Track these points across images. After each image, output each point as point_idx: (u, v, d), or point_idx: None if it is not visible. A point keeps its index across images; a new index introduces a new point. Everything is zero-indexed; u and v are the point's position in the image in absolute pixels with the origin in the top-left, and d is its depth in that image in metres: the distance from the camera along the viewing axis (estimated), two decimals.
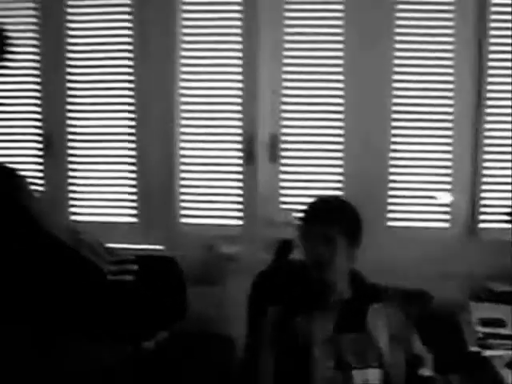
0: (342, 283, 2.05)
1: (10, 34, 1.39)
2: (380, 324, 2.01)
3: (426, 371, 2.00)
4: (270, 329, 2.05)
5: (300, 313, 2.02)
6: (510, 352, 2.26)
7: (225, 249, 1.61)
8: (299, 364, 1.97)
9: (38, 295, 1.27)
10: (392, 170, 2.90)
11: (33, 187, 1.35)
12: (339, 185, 2.91)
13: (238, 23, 2.90)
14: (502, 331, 2.38)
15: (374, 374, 1.97)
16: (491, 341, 2.32)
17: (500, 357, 2.24)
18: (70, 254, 1.28)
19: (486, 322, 2.42)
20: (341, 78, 2.87)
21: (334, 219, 2.03)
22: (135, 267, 1.35)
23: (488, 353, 2.27)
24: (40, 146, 3.10)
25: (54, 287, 1.27)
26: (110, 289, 1.30)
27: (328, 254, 2.00)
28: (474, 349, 2.29)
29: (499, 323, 2.43)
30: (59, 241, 1.28)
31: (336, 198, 2.38)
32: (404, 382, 1.98)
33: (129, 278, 1.32)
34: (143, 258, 1.44)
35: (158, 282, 1.40)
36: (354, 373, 1.96)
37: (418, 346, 2.04)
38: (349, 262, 2.05)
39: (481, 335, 2.34)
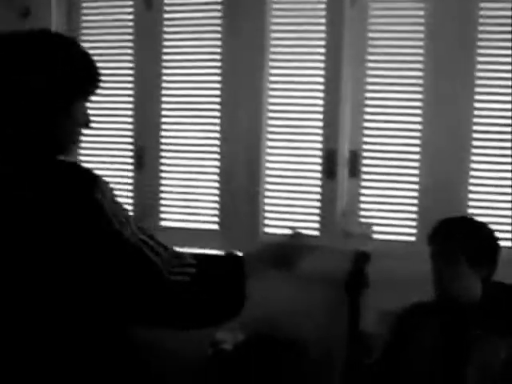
0: (471, 303, 2.10)
1: (98, 64, 1.47)
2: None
3: None
4: None
5: None
6: None
7: (307, 240, 1.68)
8: None
9: (99, 293, 1.35)
10: (470, 187, 2.91)
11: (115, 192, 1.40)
12: (416, 201, 2.96)
13: (323, 39, 3.01)
14: None
15: None
16: None
17: None
18: (139, 261, 1.34)
19: None
20: (420, 96, 2.92)
21: (454, 238, 2.11)
22: (193, 270, 1.40)
23: None
24: (132, 157, 3.31)
25: (114, 284, 1.35)
26: (165, 287, 1.36)
27: (449, 271, 2.10)
28: None
29: None
30: (131, 247, 1.33)
31: (464, 217, 2.43)
32: None
33: (185, 278, 1.38)
34: (207, 257, 1.50)
35: (215, 280, 1.44)
36: None
37: None
38: (474, 281, 2.10)
39: None
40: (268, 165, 3.11)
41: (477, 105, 2.89)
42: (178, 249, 1.44)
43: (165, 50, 3.22)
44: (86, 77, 1.45)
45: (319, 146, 3.04)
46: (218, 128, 3.16)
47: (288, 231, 1.69)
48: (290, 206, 3.09)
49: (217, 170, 3.18)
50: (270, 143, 3.10)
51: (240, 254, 1.56)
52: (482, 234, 2.17)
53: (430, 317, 2.18)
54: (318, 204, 3.05)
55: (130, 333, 1.48)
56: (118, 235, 1.33)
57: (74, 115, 1.43)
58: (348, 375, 2.73)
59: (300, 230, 1.71)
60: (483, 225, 2.21)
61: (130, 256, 1.34)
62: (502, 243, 2.20)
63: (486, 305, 2.11)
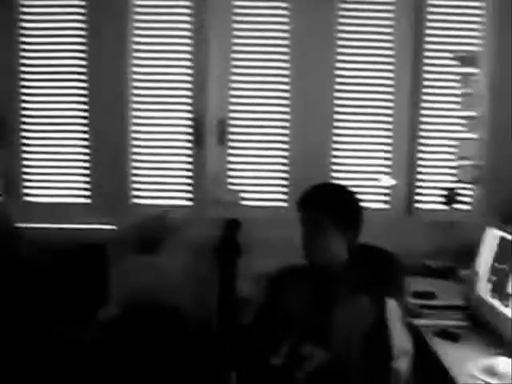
0: (338, 265, 2.17)
1: None
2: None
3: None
4: None
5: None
6: (438, 321, 2.43)
7: (171, 218, 1.67)
8: None
9: None
10: (335, 153, 3.03)
11: None
12: (284, 167, 3.03)
13: (188, 10, 2.98)
14: (432, 302, 2.54)
15: None
16: (421, 311, 2.48)
17: (429, 326, 2.41)
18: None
19: (418, 294, 2.57)
20: (286, 65, 2.98)
21: (320, 205, 2.15)
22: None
23: (418, 322, 2.42)
24: None
25: None
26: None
27: (317, 238, 2.15)
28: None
29: (430, 295, 2.59)
30: None
31: (330, 184, 2.49)
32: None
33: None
34: (66, 248, 1.47)
35: (79, 271, 1.42)
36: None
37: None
38: (341, 245, 2.17)
39: (412, 306, 2.49)
40: (135, 135, 3.05)
41: (338, 72, 2.99)
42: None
43: (25, 17, 3.05)
44: None
45: (187, 115, 3.03)
46: (84, 99, 3.06)
47: (152, 213, 1.67)
48: (160, 177, 3.06)
49: (84, 142, 3.08)
50: (136, 113, 3.04)
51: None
52: (347, 199, 2.24)
53: (299, 279, 2.24)
54: (188, 173, 3.04)
55: None
56: None
57: None
58: (222, 339, 2.76)
59: (162, 211, 1.69)
60: (348, 190, 2.28)
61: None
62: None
63: (351, 266, 2.19)
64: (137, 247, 1.56)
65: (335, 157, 3.04)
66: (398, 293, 2.23)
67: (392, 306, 2.12)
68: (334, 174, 3.03)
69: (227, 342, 2.62)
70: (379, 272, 2.23)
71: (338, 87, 3.00)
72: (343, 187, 2.31)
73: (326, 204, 2.16)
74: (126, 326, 2.79)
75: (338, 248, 2.17)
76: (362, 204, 2.27)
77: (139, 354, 2.64)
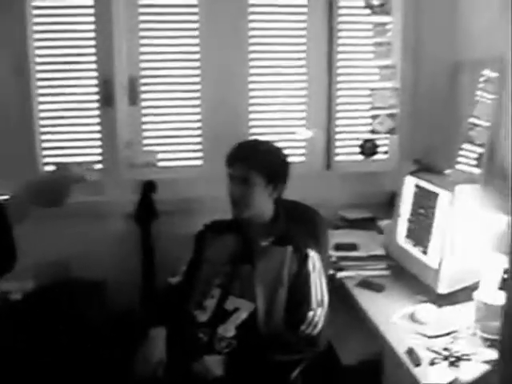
0: (263, 220, 2.22)
1: None
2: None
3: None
4: None
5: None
6: (360, 272, 2.44)
7: (73, 170, 1.57)
8: None
9: None
10: (251, 108, 2.97)
11: None
12: (199, 124, 2.94)
13: None
14: (354, 254, 2.55)
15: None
16: (344, 263, 2.49)
17: (352, 277, 2.42)
18: None
19: (339, 247, 2.58)
20: (196, 18, 2.86)
21: (248, 161, 2.17)
22: None
23: (341, 274, 2.44)
24: None
25: None
26: None
27: (244, 193, 2.17)
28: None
29: (352, 247, 2.60)
30: None
31: (256, 140, 2.48)
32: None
33: None
34: None
35: None
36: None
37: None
38: (268, 200, 2.22)
39: (334, 259, 2.50)
40: (41, 99, 2.88)
41: (251, 25, 2.91)
42: None
43: None
44: None
45: (94, 74, 2.87)
46: None
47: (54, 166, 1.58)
48: (69, 141, 2.91)
49: None
50: (41, 75, 2.86)
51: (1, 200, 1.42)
52: (274, 155, 2.26)
53: (225, 233, 2.29)
54: (99, 135, 2.91)
55: None
56: None
57: None
58: (146, 302, 2.72)
59: (64, 162, 1.60)
60: (275, 146, 2.31)
61: None
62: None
63: (276, 220, 2.25)
64: (38, 200, 1.47)
65: (251, 112, 2.97)
66: (320, 245, 2.27)
67: (314, 257, 2.18)
68: (251, 130, 2.97)
69: (153, 301, 2.57)
70: (302, 225, 2.28)
71: (251, 40, 2.91)
72: (271, 143, 2.34)
73: (253, 160, 2.18)
74: (41, 301, 2.70)
75: (264, 203, 2.22)
76: (289, 160, 2.28)
77: (57, 331, 2.57)
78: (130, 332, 2.50)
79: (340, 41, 2.97)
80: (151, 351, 2.13)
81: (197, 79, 2.91)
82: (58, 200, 1.54)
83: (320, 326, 2.10)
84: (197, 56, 2.89)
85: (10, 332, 2.67)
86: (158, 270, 2.80)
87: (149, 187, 2.81)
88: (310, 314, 2.08)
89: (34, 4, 2.80)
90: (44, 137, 2.91)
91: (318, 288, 2.14)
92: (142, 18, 2.85)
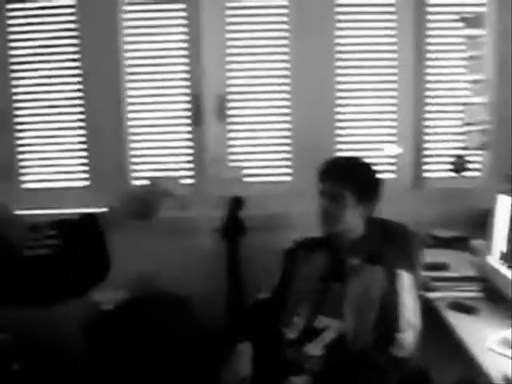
0: (354, 237, 2.20)
1: None
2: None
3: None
4: None
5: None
6: (452, 294, 2.37)
7: (165, 184, 1.61)
8: None
9: None
10: (339, 124, 2.95)
11: None
12: (288, 140, 2.95)
13: None
14: (446, 274, 2.48)
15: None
16: (435, 284, 2.42)
17: (443, 298, 2.35)
18: None
19: (430, 266, 2.52)
20: (286, 34, 2.88)
21: (340, 178, 2.16)
22: (53, 242, 1.32)
23: (432, 295, 2.37)
24: None
25: None
26: (25, 263, 1.27)
27: (335, 210, 2.15)
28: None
29: (443, 267, 2.53)
30: None
31: (348, 157, 2.45)
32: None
33: (45, 251, 1.30)
34: (64, 222, 1.41)
35: (77, 246, 1.37)
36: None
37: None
38: (359, 217, 2.19)
39: (425, 279, 2.44)
40: (133, 115, 2.97)
41: (339, 40, 2.89)
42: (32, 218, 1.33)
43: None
44: None
45: (184, 91, 2.93)
46: (79, 79, 2.97)
47: (146, 180, 1.62)
48: (160, 156, 2.99)
49: (81, 124, 3.00)
50: (133, 92, 2.95)
51: (94, 211, 1.47)
52: (367, 172, 2.24)
53: (315, 251, 2.26)
54: (188, 151, 2.96)
55: None
56: None
57: None
58: (232, 317, 2.74)
59: (157, 176, 1.64)
60: (367, 163, 2.28)
61: None
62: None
63: (367, 238, 2.21)
64: (130, 213, 1.52)
65: (340, 128, 2.95)
66: (412, 265, 2.22)
67: (404, 278, 2.12)
68: (339, 146, 2.94)
69: (240, 317, 2.59)
70: (394, 244, 2.24)
71: (339, 56, 2.90)
72: (363, 160, 2.30)
73: (345, 176, 2.16)
74: (132, 312, 2.77)
75: (354, 220, 2.19)
76: (381, 177, 2.26)
77: (143, 342, 2.63)
78: (216, 346, 2.53)
79: (430, 55, 2.91)
80: (237, 366, 2.14)
81: (285, 95, 2.92)
82: (148, 213, 1.57)
83: (410, 347, 2.04)
84: (285, 72, 2.91)
85: (101, 341, 2.75)
86: (245, 286, 2.81)
87: (236, 203, 2.83)
88: (400, 335, 2.04)
89: (128, 24, 2.89)
90: (135, 152, 2.99)
91: (409, 309, 2.08)
92: (230, 35, 2.89)
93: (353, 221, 2.19)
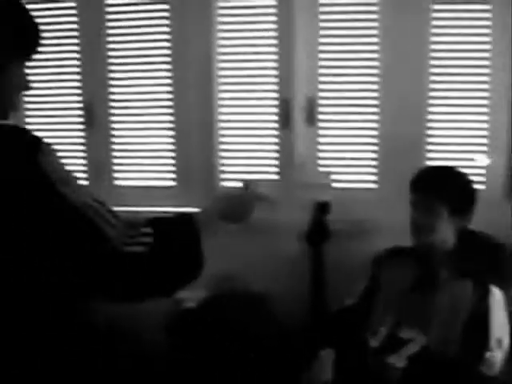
0: (445, 249, 2.16)
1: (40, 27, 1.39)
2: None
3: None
4: None
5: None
6: None
7: (259, 188, 1.62)
8: None
9: (48, 262, 1.27)
10: (429, 132, 2.88)
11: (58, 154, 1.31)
12: (375, 147, 2.92)
13: None
14: None
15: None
16: None
17: None
18: (85, 224, 1.27)
19: None
20: (377, 40, 2.84)
21: (434, 189, 2.13)
22: (150, 239, 1.34)
23: None
24: (81, 114, 3.17)
25: (64, 256, 1.27)
26: (121, 259, 1.29)
27: (427, 221, 2.12)
28: None
29: None
30: (76, 210, 1.26)
31: (443, 167, 2.41)
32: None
33: (141, 249, 1.32)
34: (160, 220, 1.43)
35: (173, 245, 1.39)
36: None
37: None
38: (452, 230, 2.15)
39: None
40: (222, 117, 3.01)
41: (432, 46, 2.83)
42: (128, 215, 1.37)
43: (109, 2, 3.06)
44: (24, 34, 1.34)
45: (274, 94, 2.95)
46: (169, 81, 3.05)
47: (240, 183, 1.63)
48: (247, 158, 3.01)
49: (170, 125, 3.08)
50: (223, 94, 3.00)
51: (190, 211, 1.49)
52: (463, 184, 2.20)
53: (404, 261, 2.24)
54: (276, 154, 2.98)
55: (85, 306, 1.41)
56: (65, 200, 1.24)
57: (10, 76, 1.33)
58: (315, 322, 2.72)
59: (252, 180, 1.65)
60: (462, 174, 2.23)
61: (78, 223, 1.25)
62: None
63: (458, 251, 2.17)
64: (225, 215, 1.54)
65: (430, 136, 2.89)
66: (504, 281, 2.15)
67: (496, 294, 2.06)
68: (429, 155, 2.88)
69: (324, 322, 2.58)
70: (485, 259, 2.19)
71: (432, 62, 2.83)
72: (458, 170, 2.25)
73: (439, 187, 2.13)
74: (214, 311, 2.81)
75: (447, 232, 2.15)
76: (475, 189, 2.21)
77: (224, 341, 2.66)
78: (296, 347, 2.53)
79: None
80: (319, 372, 2.14)
81: (375, 101, 2.89)
82: (242, 217, 1.59)
83: (497, 367, 1.98)
84: (375, 78, 2.87)
85: (182, 339, 2.80)
86: (327, 291, 2.80)
87: (322, 208, 2.82)
88: (488, 354, 1.98)
89: (220, 27, 2.94)
90: (223, 154, 3.03)
91: (499, 327, 2.02)
92: (322, 40, 2.88)
93: (445, 233, 2.14)
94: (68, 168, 1.31)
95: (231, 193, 1.62)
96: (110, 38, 3.07)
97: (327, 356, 2.19)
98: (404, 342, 2.09)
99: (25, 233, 1.23)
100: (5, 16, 1.31)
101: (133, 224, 1.36)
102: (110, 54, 3.08)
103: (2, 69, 1.32)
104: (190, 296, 2.83)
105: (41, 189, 1.23)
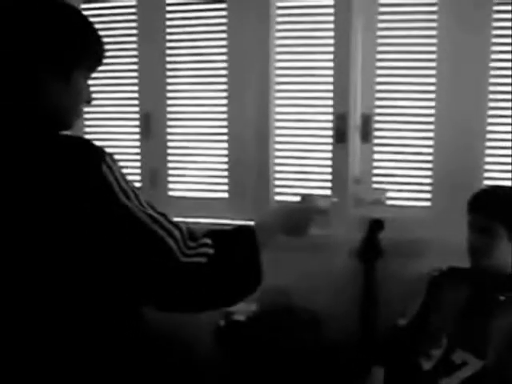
0: (503, 272, 2.11)
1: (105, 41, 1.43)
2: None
3: None
4: None
5: None
6: None
7: (318, 202, 1.62)
8: None
9: (106, 275, 1.28)
10: (486, 151, 2.82)
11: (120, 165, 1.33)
12: (431, 165, 2.88)
13: (332, 0, 2.89)
14: None
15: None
16: None
17: None
18: (147, 235, 1.27)
19: None
20: (434, 56, 2.81)
21: (492, 210, 2.10)
22: (211, 251, 1.34)
23: None
24: (139, 126, 3.23)
25: (122, 265, 1.28)
26: (182, 270, 1.29)
27: (485, 243, 2.09)
28: None
29: None
30: (139, 221, 1.27)
31: (503, 187, 2.39)
32: None
33: (201, 260, 1.32)
34: (220, 232, 1.42)
35: (232, 257, 1.38)
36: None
37: None
38: (510, 254, 2.10)
39: None
40: (277, 131, 3.02)
41: (493, 64, 2.77)
42: (188, 225, 1.37)
43: (168, 9, 3.11)
44: (87, 45, 1.39)
45: (330, 110, 2.94)
46: (225, 94, 3.08)
47: (297, 197, 1.63)
48: (301, 173, 3.02)
49: (225, 137, 3.11)
50: (279, 109, 3.01)
51: (250, 223, 1.49)
52: None
53: (460, 282, 2.21)
54: (330, 170, 2.97)
55: (142, 316, 1.43)
56: (127, 211, 1.26)
57: (74, 87, 1.37)
58: (366, 340, 2.70)
59: (310, 194, 1.64)
60: None
61: (140, 234, 1.27)
62: None
63: None
64: (283, 228, 1.54)
65: (487, 155, 2.83)
66: None
67: None
68: (486, 174, 2.83)
69: (375, 341, 2.56)
70: None
71: (492, 80, 2.77)
72: None
73: (497, 209, 2.09)
74: (262, 325, 2.81)
75: (505, 255, 2.10)
76: None
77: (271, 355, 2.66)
78: (347, 366, 2.52)
79: None
80: None
81: (431, 118, 2.85)
82: (301, 230, 1.59)
83: None
84: (432, 95, 2.84)
85: (231, 349, 2.81)
86: (378, 310, 2.77)
87: (376, 225, 2.80)
88: None
89: (278, 42, 2.96)
90: (278, 168, 3.04)
91: None
92: (379, 56, 2.87)
93: (503, 255, 2.10)
94: (130, 179, 1.34)
95: (290, 206, 1.62)
96: (169, 51, 3.12)
97: (378, 373, 2.17)
98: (457, 366, 2.05)
99: (88, 244, 1.25)
100: (73, 27, 1.36)
101: (194, 234, 1.37)
102: (168, 66, 3.14)
103: (69, 79, 1.36)
104: (241, 309, 2.85)
105: (105, 200, 1.25)
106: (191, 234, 1.36)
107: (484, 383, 1.99)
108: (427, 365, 2.11)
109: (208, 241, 1.36)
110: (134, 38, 3.18)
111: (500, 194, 2.20)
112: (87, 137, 3.10)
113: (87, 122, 3.28)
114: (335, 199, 1.81)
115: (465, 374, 2.03)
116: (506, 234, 2.07)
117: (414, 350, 2.18)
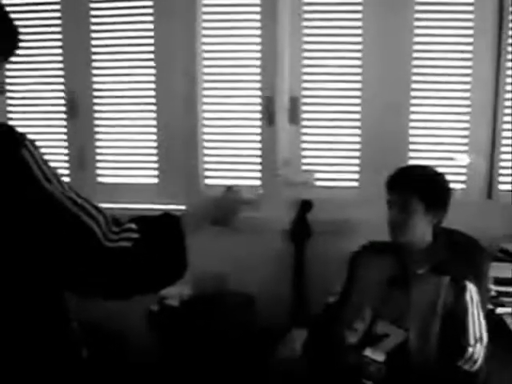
0: (421, 246, 2.18)
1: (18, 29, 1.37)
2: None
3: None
4: None
5: None
6: None
7: (243, 193, 1.64)
8: None
9: (29, 258, 1.27)
10: (411, 131, 2.91)
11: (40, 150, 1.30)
12: (358, 146, 2.94)
13: None
14: None
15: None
16: (504, 299, 2.38)
17: (510, 314, 2.31)
18: (70, 219, 1.26)
19: (499, 281, 2.47)
20: (360, 39, 2.87)
21: (409, 187, 2.16)
22: (135, 235, 1.34)
23: (501, 310, 2.33)
24: (64, 107, 3.15)
25: (44, 249, 1.26)
26: (106, 254, 1.29)
27: (403, 219, 2.15)
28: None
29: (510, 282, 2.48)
30: (61, 205, 1.26)
31: (417, 166, 2.44)
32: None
33: (126, 244, 1.31)
34: (146, 218, 1.42)
35: (159, 243, 1.38)
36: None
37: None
38: (427, 227, 2.18)
39: (494, 293, 2.40)
40: (205, 114, 3.02)
41: (415, 47, 2.85)
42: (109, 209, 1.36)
43: None
44: (3, 37, 1.33)
45: (257, 93, 2.96)
46: (153, 78, 3.05)
47: (224, 187, 1.64)
48: (230, 156, 3.03)
49: (154, 122, 3.08)
50: (206, 92, 3.01)
51: (176, 213, 1.50)
52: (438, 182, 2.22)
53: (381, 255, 2.26)
54: (259, 152, 2.99)
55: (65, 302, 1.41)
56: (49, 195, 1.24)
57: None
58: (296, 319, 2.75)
59: (236, 185, 1.66)
60: (437, 172, 2.26)
61: (62, 218, 1.25)
62: None
63: (434, 248, 2.20)
64: (209, 218, 1.56)
65: (411, 135, 2.91)
66: (480, 278, 2.20)
67: (472, 290, 2.09)
68: (410, 154, 2.91)
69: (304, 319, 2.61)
70: (461, 255, 2.22)
71: (414, 62, 2.86)
72: (432, 169, 2.28)
73: (413, 186, 2.15)
74: (195, 310, 2.81)
75: (423, 229, 2.18)
76: (450, 186, 2.24)
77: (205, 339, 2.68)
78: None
79: (508, 63, 2.82)
80: (289, 348, 2.21)
81: (357, 100, 2.91)
82: (227, 220, 1.61)
83: (479, 363, 2.01)
84: (358, 78, 2.89)
85: (165, 334, 2.81)
86: (309, 289, 2.82)
87: (305, 206, 2.84)
88: (469, 349, 2.00)
89: (204, 25, 2.94)
90: (207, 151, 3.04)
91: (476, 323, 2.05)
92: (306, 38, 2.90)
93: (421, 230, 2.17)
94: (52, 164, 1.31)
95: (217, 197, 1.63)
96: (94, 27, 3.06)
97: (299, 334, 2.24)
98: (381, 337, 2.11)
99: (8, 229, 1.23)
100: None
101: (117, 220, 1.36)
102: (94, 43, 3.07)
103: None
104: (174, 293, 2.84)
105: (25, 184, 1.22)
106: (115, 219, 1.35)
107: (408, 354, 2.05)
108: (352, 338, 2.17)
109: (133, 225, 1.36)
110: (58, 15, 3.06)
111: (414, 171, 2.26)
112: (11, 116, 3.05)
113: (10, 101, 3.17)
114: (261, 191, 1.85)
115: (389, 345, 2.09)
116: (421, 210, 2.14)
117: (339, 324, 2.23)
